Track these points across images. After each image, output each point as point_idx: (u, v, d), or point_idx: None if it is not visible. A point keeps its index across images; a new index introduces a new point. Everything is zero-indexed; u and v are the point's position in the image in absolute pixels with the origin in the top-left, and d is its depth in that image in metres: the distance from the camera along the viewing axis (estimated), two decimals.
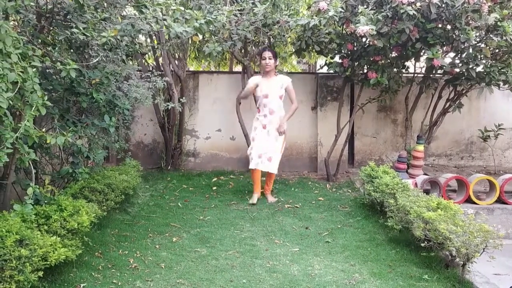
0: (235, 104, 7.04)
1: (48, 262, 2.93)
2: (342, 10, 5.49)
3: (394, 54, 5.91)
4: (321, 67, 7.90)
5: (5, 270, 2.68)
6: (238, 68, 8.70)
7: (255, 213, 5.27)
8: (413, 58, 6.21)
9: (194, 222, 4.93)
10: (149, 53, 7.02)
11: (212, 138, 7.49)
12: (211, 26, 4.26)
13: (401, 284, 3.52)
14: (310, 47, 6.13)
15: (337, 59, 6.44)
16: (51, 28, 3.81)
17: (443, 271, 3.70)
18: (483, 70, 5.72)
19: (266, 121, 5.58)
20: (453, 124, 7.56)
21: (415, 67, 6.92)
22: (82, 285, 3.31)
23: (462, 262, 3.59)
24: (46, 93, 3.03)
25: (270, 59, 5.49)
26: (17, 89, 2.70)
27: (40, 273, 2.87)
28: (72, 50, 3.97)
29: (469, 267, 3.61)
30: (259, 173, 5.67)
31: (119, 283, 3.40)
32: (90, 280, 3.40)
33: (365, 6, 5.44)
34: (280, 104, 5.61)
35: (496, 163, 7.46)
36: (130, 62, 5.37)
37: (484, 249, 3.48)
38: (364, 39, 5.71)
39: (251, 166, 5.60)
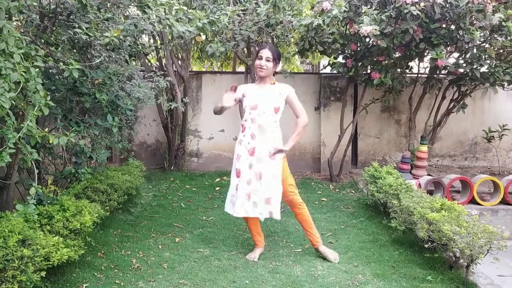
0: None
1: (50, 262, 2.92)
2: (346, 10, 5.47)
3: (397, 54, 5.88)
4: (325, 67, 7.88)
5: (7, 270, 2.68)
6: (241, 68, 8.69)
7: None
8: (417, 59, 6.19)
9: (197, 223, 4.92)
10: (152, 53, 7.02)
11: (215, 139, 7.48)
12: (214, 26, 4.25)
13: (404, 285, 3.50)
14: (314, 47, 6.12)
15: (340, 59, 6.43)
16: (54, 28, 3.81)
17: (447, 272, 3.68)
18: (487, 70, 5.70)
19: (254, 143, 3.85)
20: (457, 124, 7.53)
21: (419, 67, 6.90)
22: (84, 285, 3.31)
23: (466, 263, 3.57)
24: (49, 93, 3.02)
25: (267, 60, 3.84)
26: (19, 89, 2.69)
27: (43, 273, 2.86)
28: (75, 50, 3.97)
29: (473, 269, 3.59)
30: (256, 219, 4.04)
31: (122, 284, 3.39)
32: (92, 280, 3.40)
33: (368, 6, 5.43)
34: (275, 120, 3.91)
35: (500, 164, 7.42)
36: (133, 62, 5.37)
37: (488, 250, 3.46)
38: (367, 39, 5.70)
39: (238, 214, 3.90)
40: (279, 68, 4.05)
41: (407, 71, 6.45)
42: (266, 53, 3.86)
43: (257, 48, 3.91)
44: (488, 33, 5.64)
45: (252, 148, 3.87)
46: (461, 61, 5.81)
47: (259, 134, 3.87)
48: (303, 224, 4.06)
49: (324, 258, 4.01)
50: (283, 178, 3.90)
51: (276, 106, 3.90)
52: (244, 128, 3.96)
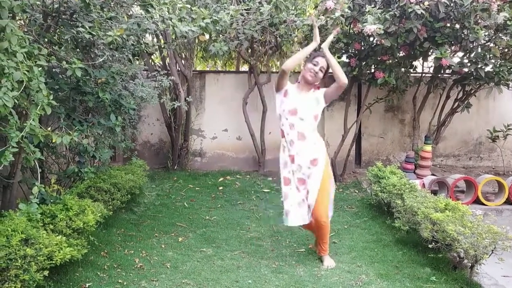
0: (242, 104, 7.03)
1: (53, 262, 2.92)
2: (350, 10, 5.45)
3: (401, 54, 5.86)
4: None
5: (10, 269, 2.68)
6: (245, 67, 8.68)
7: (261, 213, 5.25)
8: (421, 58, 6.16)
9: (200, 222, 4.92)
10: (156, 53, 7.02)
11: (218, 138, 7.48)
12: (218, 25, 4.24)
13: (408, 286, 3.49)
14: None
15: (344, 58, 6.41)
16: (57, 27, 3.81)
17: (451, 273, 3.66)
18: (492, 69, 5.67)
19: (294, 151, 3.77)
20: (461, 124, 7.49)
21: (423, 66, 6.87)
22: (87, 284, 3.31)
23: (470, 264, 3.55)
24: (52, 92, 3.03)
25: (321, 70, 3.73)
26: (22, 88, 2.69)
27: (46, 272, 2.86)
28: (78, 49, 3.97)
29: (477, 269, 3.57)
30: (310, 224, 3.91)
31: (125, 283, 3.39)
32: (95, 279, 3.40)
33: (372, 5, 5.41)
34: (314, 127, 3.81)
35: (505, 164, 7.39)
36: (137, 62, 5.37)
37: (492, 250, 3.43)
38: (371, 39, 5.68)
39: (294, 223, 3.84)
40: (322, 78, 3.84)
41: (411, 70, 6.43)
42: (322, 62, 3.73)
43: (313, 53, 3.79)
44: (493, 32, 5.61)
45: (291, 155, 3.80)
46: (466, 61, 5.79)
47: (297, 141, 3.76)
48: (318, 233, 3.98)
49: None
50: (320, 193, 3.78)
51: (315, 113, 3.79)
52: (283, 133, 3.84)
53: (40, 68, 2.89)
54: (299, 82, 3.84)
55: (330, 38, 3.88)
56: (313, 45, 3.78)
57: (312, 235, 4.21)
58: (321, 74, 3.75)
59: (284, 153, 3.83)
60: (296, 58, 3.80)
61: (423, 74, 6.74)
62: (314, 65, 3.73)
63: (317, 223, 3.82)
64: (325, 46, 3.78)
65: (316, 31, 3.84)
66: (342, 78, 3.66)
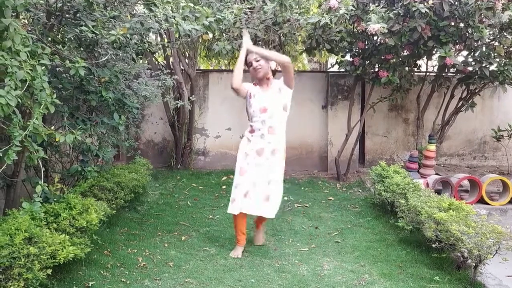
0: (245, 103, 7.01)
1: (56, 260, 2.92)
2: (353, 8, 5.44)
3: (405, 53, 5.85)
4: (332, 66, 7.85)
5: (13, 268, 2.69)
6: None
7: None
8: (425, 57, 6.15)
9: (203, 221, 4.92)
10: (159, 52, 7.03)
11: (221, 137, 7.48)
12: (221, 24, 4.24)
13: (411, 286, 3.47)
14: (321, 46, 6.09)
15: (348, 57, 6.40)
16: (61, 26, 3.81)
17: (454, 273, 3.65)
18: (496, 68, 5.65)
19: (264, 143, 3.95)
20: (465, 123, 7.47)
21: (427, 65, 6.85)
22: (90, 283, 3.31)
23: (474, 264, 3.53)
24: (55, 91, 3.03)
25: (257, 60, 3.94)
26: (26, 87, 2.69)
27: (49, 271, 2.87)
28: (81, 48, 3.97)
29: (481, 269, 3.55)
30: (245, 218, 4.05)
31: (128, 282, 3.39)
32: (98, 278, 3.40)
33: (376, 4, 5.40)
34: (283, 120, 4.04)
35: (509, 163, 7.35)
36: (140, 61, 5.37)
37: (496, 250, 3.42)
38: (375, 37, 5.67)
39: (232, 211, 3.97)
40: (273, 65, 4.03)
41: (415, 69, 6.41)
42: (250, 56, 3.96)
43: (248, 57, 3.99)
44: (497, 31, 5.59)
45: (260, 148, 3.96)
46: (470, 59, 5.77)
47: (268, 134, 3.97)
48: (261, 220, 4.24)
49: (328, 255, 4.05)
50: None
51: (283, 104, 4.01)
52: (253, 129, 4.02)
53: (44, 67, 2.89)
54: (256, 84, 4.07)
55: (247, 37, 4.07)
56: (243, 52, 3.97)
57: (316, 232, 4.20)
58: (262, 61, 3.94)
59: (250, 145, 4.01)
60: (237, 71, 3.96)
61: (427, 73, 6.72)
62: (250, 65, 3.98)
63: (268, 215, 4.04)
64: (249, 45, 3.99)
65: (246, 35, 4.08)
66: (281, 59, 3.90)
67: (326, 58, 9.63)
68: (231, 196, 4.01)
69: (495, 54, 5.59)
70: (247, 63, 4.00)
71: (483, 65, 5.52)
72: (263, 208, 3.95)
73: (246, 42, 4.01)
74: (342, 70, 6.55)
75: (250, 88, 4.06)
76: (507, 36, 5.59)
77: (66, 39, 3.76)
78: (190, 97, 6.22)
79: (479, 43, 5.52)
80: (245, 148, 4.03)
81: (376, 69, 6.14)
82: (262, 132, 3.97)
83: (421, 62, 6.66)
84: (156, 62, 7.08)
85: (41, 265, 2.81)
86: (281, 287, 3.43)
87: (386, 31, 5.10)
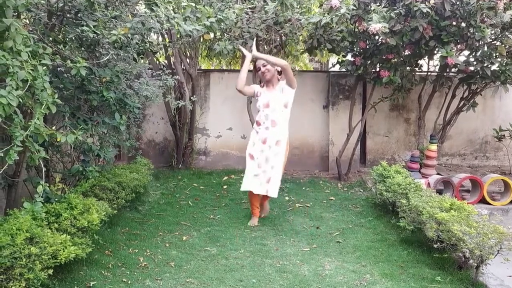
0: (246, 103, 7.02)
1: (58, 260, 2.92)
2: (354, 8, 5.43)
3: (407, 52, 5.84)
4: (333, 66, 7.84)
5: (15, 268, 2.69)
6: (249, 66, 8.66)
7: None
8: (427, 56, 6.13)
9: (205, 221, 4.92)
10: (161, 52, 7.02)
11: (223, 137, 7.48)
12: (222, 24, 4.23)
13: (413, 286, 3.47)
14: (322, 45, 6.08)
15: (349, 57, 6.39)
16: (62, 26, 3.81)
17: (456, 273, 3.65)
18: (498, 68, 5.64)
19: (268, 133, 4.69)
20: (467, 123, 7.45)
21: (429, 65, 6.84)
22: (91, 283, 3.31)
23: (475, 264, 3.53)
24: (56, 91, 3.02)
25: (264, 65, 4.70)
26: (27, 87, 2.69)
27: (50, 271, 2.87)
28: (82, 48, 3.97)
29: (482, 269, 3.55)
30: (257, 195, 4.81)
31: (129, 282, 3.40)
32: (100, 278, 3.40)
33: (377, 4, 5.39)
34: (285, 116, 4.74)
35: (511, 163, 7.34)
36: (141, 61, 5.36)
37: (498, 251, 3.41)
38: (376, 37, 5.66)
39: (246, 188, 4.73)
40: (279, 67, 4.67)
41: (417, 69, 6.40)
42: (259, 62, 4.77)
43: (256, 63, 4.82)
44: (499, 30, 5.58)
45: (265, 138, 4.71)
46: (472, 59, 5.76)
47: (271, 127, 4.70)
48: (264, 201, 5.00)
49: (329, 255, 4.03)
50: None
51: (285, 102, 4.72)
52: (259, 122, 4.77)
53: (45, 67, 2.89)
54: (262, 85, 4.87)
55: (253, 45, 4.85)
56: (248, 59, 4.77)
57: (318, 232, 4.19)
58: (270, 67, 4.70)
59: (257, 135, 4.78)
60: (241, 76, 4.75)
61: (429, 73, 6.70)
62: (258, 70, 4.78)
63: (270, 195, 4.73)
64: (254, 52, 4.75)
65: (254, 45, 4.82)
66: (279, 63, 4.60)
67: (327, 58, 9.62)
68: (244, 177, 4.79)
69: (497, 54, 5.58)
70: (256, 68, 4.83)
71: (485, 64, 5.50)
72: (267, 188, 4.67)
73: (253, 50, 4.75)
74: (343, 70, 6.53)
75: (257, 89, 4.87)
76: (509, 35, 5.58)
77: (67, 39, 3.75)
78: (191, 97, 6.22)
79: (480, 43, 5.50)
80: (254, 139, 4.80)
81: (378, 69, 6.12)
82: (266, 125, 4.71)
83: (423, 62, 6.65)
84: (157, 62, 7.07)
85: (42, 265, 2.82)
86: (282, 287, 3.43)
87: (388, 30, 5.09)
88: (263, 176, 4.68)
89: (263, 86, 4.84)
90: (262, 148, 4.71)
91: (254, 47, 4.79)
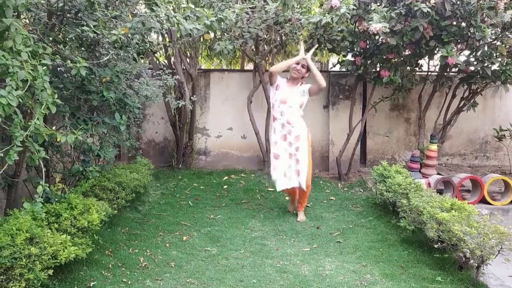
0: (246, 103, 7.02)
1: (58, 261, 2.93)
2: (355, 8, 5.43)
3: (407, 52, 5.83)
4: (334, 66, 7.83)
5: (15, 268, 2.69)
6: (250, 66, 8.66)
7: (266, 212, 5.24)
8: (427, 56, 6.13)
9: (205, 221, 4.92)
10: (161, 51, 7.01)
11: (223, 137, 7.47)
12: (222, 24, 4.23)
13: (413, 286, 3.47)
14: (322, 45, 6.07)
15: (349, 57, 6.39)
16: (62, 26, 3.80)
17: (456, 273, 3.64)
18: (498, 68, 5.63)
19: (286, 130, 4.86)
20: (467, 123, 7.45)
21: (429, 65, 6.83)
22: (92, 283, 3.31)
23: (476, 264, 3.53)
24: (56, 91, 3.01)
25: (303, 66, 4.83)
26: (27, 87, 2.69)
27: (50, 271, 2.87)
28: (83, 48, 3.97)
29: (483, 269, 3.55)
30: (294, 189, 5.00)
31: (129, 282, 3.39)
32: (100, 278, 3.40)
33: (378, 4, 5.38)
34: (300, 114, 4.90)
35: (511, 163, 7.33)
36: (142, 61, 5.36)
37: (499, 251, 3.41)
38: (377, 37, 5.65)
39: (281, 188, 4.89)
40: (306, 75, 4.91)
41: (417, 69, 6.39)
42: (302, 61, 4.84)
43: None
44: (499, 30, 5.57)
45: (284, 134, 4.88)
46: (472, 59, 5.75)
47: (287, 124, 4.85)
48: (302, 195, 5.05)
49: (329, 255, 4.03)
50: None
51: (301, 102, 4.88)
52: (275, 118, 4.92)
53: (45, 67, 2.88)
54: (288, 79, 4.93)
55: (312, 50, 5.05)
56: (297, 58, 4.86)
57: (318, 232, 4.19)
58: (304, 70, 4.83)
59: (275, 134, 4.93)
60: (282, 65, 4.92)
61: (429, 73, 6.70)
62: (301, 66, 4.82)
63: (302, 186, 4.87)
64: (308, 56, 4.86)
65: (302, 49, 4.93)
66: (321, 83, 4.76)
67: (328, 57, 9.61)
68: (272, 177, 4.93)
69: (497, 54, 5.57)
70: (296, 62, 4.85)
71: (485, 64, 5.50)
72: (298, 181, 4.83)
73: (309, 53, 4.93)
74: (344, 69, 6.53)
75: (280, 81, 4.92)
76: (509, 35, 5.57)
77: (67, 39, 3.74)
78: (192, 97, 6.21)
79: (481, 43, 5.50)
80: (274, 138, 4.94)
81: (378, 69, 6.12)
82: (282, 121, 4.86)
83: (423, 62, 6.64)
84: (157, 62, 7.07)
85: (42, 265, 2.82)
86: (282, 287, 3.43)
87: (388, 30, 5.09)
88: (290, 171, 4.86)
89: (287, 81, 4.95)
90: (284, 147, 4.88)
91: (308, 53, 4.93)
